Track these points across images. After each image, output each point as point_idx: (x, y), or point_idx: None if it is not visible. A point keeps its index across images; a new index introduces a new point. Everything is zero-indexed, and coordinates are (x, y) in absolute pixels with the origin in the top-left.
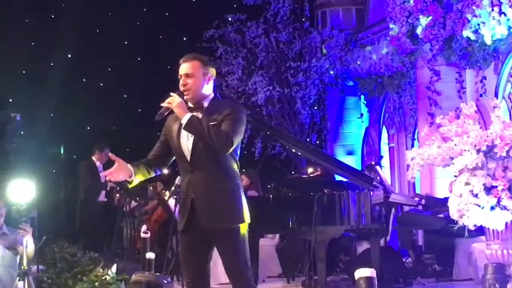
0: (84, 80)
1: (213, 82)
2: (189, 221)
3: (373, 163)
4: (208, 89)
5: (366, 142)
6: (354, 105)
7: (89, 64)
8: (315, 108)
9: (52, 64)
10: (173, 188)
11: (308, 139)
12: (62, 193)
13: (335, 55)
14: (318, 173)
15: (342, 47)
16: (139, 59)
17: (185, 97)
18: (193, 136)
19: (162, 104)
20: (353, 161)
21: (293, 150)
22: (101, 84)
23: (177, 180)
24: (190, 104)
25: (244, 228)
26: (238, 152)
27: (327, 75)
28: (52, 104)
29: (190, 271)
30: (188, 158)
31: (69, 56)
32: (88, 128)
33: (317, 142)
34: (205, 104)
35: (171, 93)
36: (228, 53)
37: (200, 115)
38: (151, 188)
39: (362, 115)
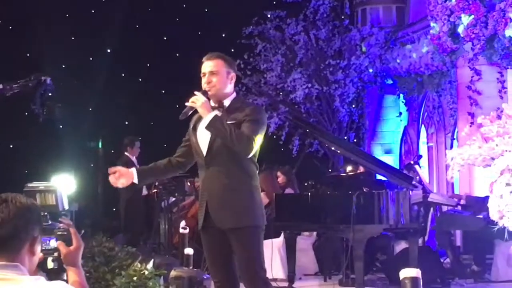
0: (123, 75)
1: (234, 82)
2: (205, 220)
3: (412, 162)
4: (230, 88)
5: (404, 141)
6: (393, 103)
7: (128, 59)
8: (354, 106)
9: (91, 58)
10: None
11: (346, 137)
12: (100, 187)
13: (375, 53)
14: (358, 171)
15: (382, 45)
16: (177, 55)
17: (208, 95)
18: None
19: (186, 104)
20: (391, 160)
21: (332, 148)
22: (140, 80)
23: None
24: (212, 103)
25: (258, 230)
26: (257, 153)
27: (366, 73)
28: (91, 99)
29: (216, 271)
30: (204, 154)
31: (108, 51)
32: (126, 123)
33: (355, 140)
34: (226, 103)
35: (195, 92)
36: (267, 50)
37: (220, 114)
38: (188, 183)
39: (400, 113)
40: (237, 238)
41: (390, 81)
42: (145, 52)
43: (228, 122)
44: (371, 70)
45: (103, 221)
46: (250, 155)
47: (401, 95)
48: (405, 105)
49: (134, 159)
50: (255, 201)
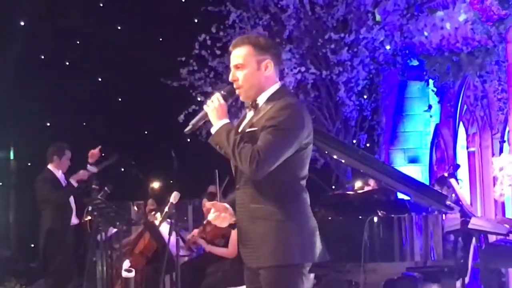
0: (43, 57)
1: (276, 69)
2: (239, 250)
3: (446, 175)
4: (267, 80)
5: (436, 145)
6: (419, 93)
7: (50, 35)
8: (365, 97)
9: None
10: (166, 209)
11: (354, 141)
12: (12, 214)
13: (393, 23)
14: (370, 188)
15: (403, 13)
16: (119, 27)
17: (238, 95)
18: None
19: (204, 107)
20: (418, 172)
21: (335, 156)
22: (67, 63)
23: (172, 198)
24: (248, 104)
25: (290, 270)
26: (304, 163)
27: (382, 52)
28: None
29: None
30: (233, 171)
31: (22, 24)
32: (48, 124)
33: (367, 145)
34: (261, 100)
35: (220, 91)
36: (244, 21)
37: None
38: (135, 208)
39: (430, 107)
40: (262, 279)
41: (415, 62)
42: (74, 25)
43: (248, 130)
44: (388, 47)
45: (17, 260)
46: (258, 178)
47: (431, 82)
48: (436, 95)
49: (60, 174)
50: (290, 233)
